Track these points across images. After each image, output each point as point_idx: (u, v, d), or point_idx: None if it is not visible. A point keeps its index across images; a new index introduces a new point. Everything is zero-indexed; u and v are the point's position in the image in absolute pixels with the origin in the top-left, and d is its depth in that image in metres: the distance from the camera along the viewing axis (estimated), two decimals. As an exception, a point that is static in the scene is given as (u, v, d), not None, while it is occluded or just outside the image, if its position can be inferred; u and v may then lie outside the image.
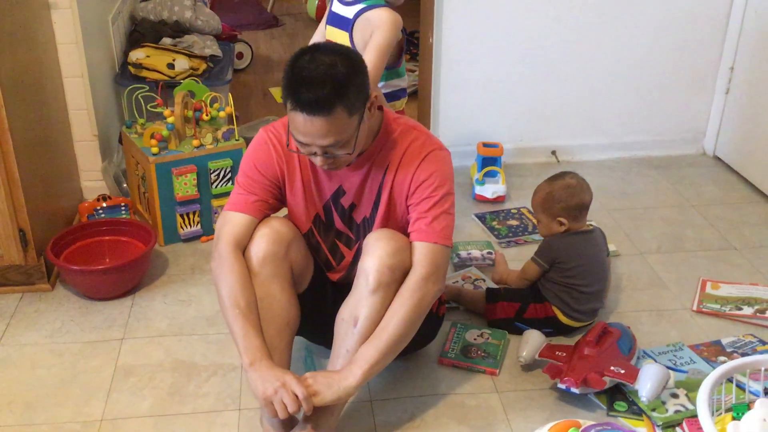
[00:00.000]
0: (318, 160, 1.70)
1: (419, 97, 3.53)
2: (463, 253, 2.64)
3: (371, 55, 2.05)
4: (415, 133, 1.84)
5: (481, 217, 2.91)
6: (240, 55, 4.42)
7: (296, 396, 1.67)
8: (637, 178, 3.25)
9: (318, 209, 1.92)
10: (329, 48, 1.69)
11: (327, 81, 1.58)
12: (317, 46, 1.68)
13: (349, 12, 2.19)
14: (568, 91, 3.29)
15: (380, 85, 2.25)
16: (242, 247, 1.82)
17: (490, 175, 3.06)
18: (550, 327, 2.22)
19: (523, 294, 2.27)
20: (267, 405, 1.69)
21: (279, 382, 1.67)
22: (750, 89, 3.16)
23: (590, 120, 3.36)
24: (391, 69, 2.25)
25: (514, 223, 2.88)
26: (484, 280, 2.49)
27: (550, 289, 2.23)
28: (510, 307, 2.25)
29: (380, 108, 1.85)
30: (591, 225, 2.30)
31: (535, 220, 2.85)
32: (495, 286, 2.42)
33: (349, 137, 1.67)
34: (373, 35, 2.09)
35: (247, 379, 1.75)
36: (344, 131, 1.65)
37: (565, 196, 2.23)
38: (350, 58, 1.66)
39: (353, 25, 2.17)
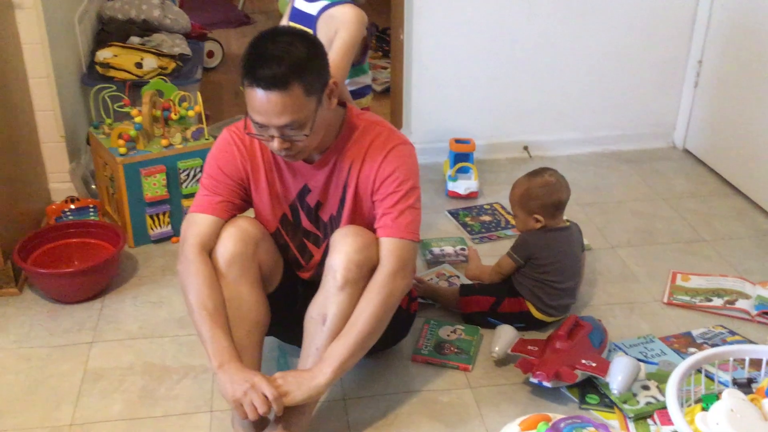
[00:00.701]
0: (275, 144, 1.68)
1: (391, 93, 3.53)
2: (436, 250, 2.64)
3: (337, 54, 2.03)
4: (378, 129, 1.83)
5: (454, 214, 2.92)
6: (210, 54, 4.38)
7: (266, 397, 1.65)
8: (608, 173, 3.27)
9: (284, 209, 1.91)
10: (289, 30, 1.71)
11: (284, 58, 1.59)
12: (277, 29, 1.71)
13: (312, 8, 2.16)
14: (539, 87, 3.30)
15: (346, 82, 2.24)
16: (208, 249, 1.80)
17: (463, 171, 3.07)
18: (523, 322, 2.23)
19: (498, 288, 2.28)
20: (237, 407, 1.68)
21: (248, 384, 1.66)
22: (719, 82, 3.19)
23: (561, 115, 3.37)
24: (356, 66, 2.23)
25: (486, 218, 2.88)
26: (458, 277, 2.49)
27: (525, 285, 2.23)
28: (485, 300, 2.26)
29: (343, 105, 1.85)
30: (568, 222, 2.30)
31: (508, 216, 2.86)
32: (469, 282, 2.42)
33: (305, 118, 1.65)
34: (338, 32, 2.08)
35: (216, 383, 1.74)
36: (300, 110, 1.63)
37: (542, 193, 2.22)
38: (309, 40, 1.67)
39: (316, 21, 2.15)
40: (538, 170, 2.29)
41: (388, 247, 1.78)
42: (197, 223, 1.81)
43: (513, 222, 2.57)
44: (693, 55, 3.29)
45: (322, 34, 2.14)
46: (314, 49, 1.66)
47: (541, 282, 2.21)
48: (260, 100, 1.61)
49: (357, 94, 2.30)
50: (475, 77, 3.24)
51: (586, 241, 2.70)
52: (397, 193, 1.79)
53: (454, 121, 3.29)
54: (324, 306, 1.77)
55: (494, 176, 3.19)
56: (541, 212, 2.22)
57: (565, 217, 2.31)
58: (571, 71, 3.29)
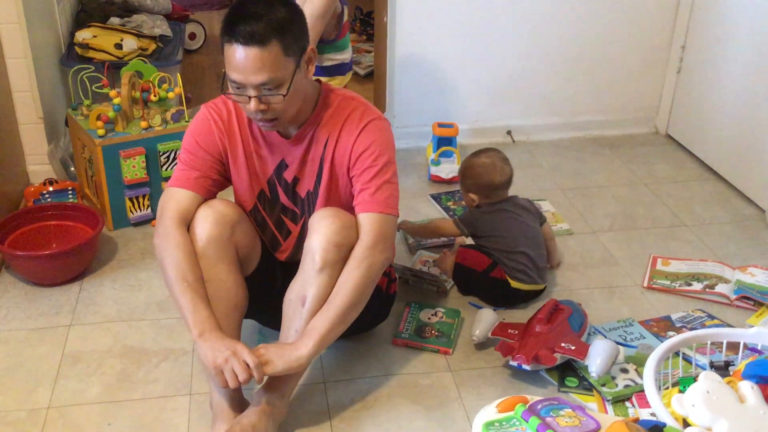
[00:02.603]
0: (252, 105, 1.67)
1: (375, 77, 3.51)
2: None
3: None
4: (354, 104, 1.83)
5: (437, 198, 2.91)
6: (192, 36, 4.34)
7: (247, 365, 1.65)
8: (590, 157, 3.27)
9: (262, 185, 1.90)
10: None
11: (264, 16, 1.61)
12: None
13: None
14: (522, 72, 3.29)
15: (319, 57, 2.21)
16: (187, 223, 1.79)
17: (446, 155, 3.06)
18: (505, 292, 2.25)
19: (495, 255, 2.29)
20: (217, 374, 1.67)
21: (229, 351, 1.66)
22: (701, 68, 3.20)
23: (545, 100, 3.37)
24: (330, 42, 2.20)
25: (469, 203, 2.88)
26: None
27: (492, 255, 2.29)
28: (483, 259, 2.28)
29: (318, 81, 1.84)
30: (510, 197, 2.36)
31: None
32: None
33: (282, 78, 1.65)
34: (306, 3, 2.05)
35: (197, 353, 1.73)
36: (278, 69, 1.63)
37: (476, 173, 2.33)
38: (290, 4, 1.69)
39: None
40: (480, 151, 2.40)
41: (367, 221, 1.78)
42: (175, 198, 1.80)
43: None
44: (676, 41, 3.29)
45: None
46: (294, 12, 1.68)
47: (499, 251, 2.27)
48: (239, 56, 1.61)
49: (332, 70, 2.27)
50: (458, 61, 3.22)
51: (566, 225, 2.72)
52: (373, 168, 1.79)
53: (437, 106, 3.28)
54: (303, 288, 1.76)
55: (477, 161, 3.19)
56: (474, 191, 2.34)
57: (523, 197, 2.39)
58: (555, 56, 3.28)
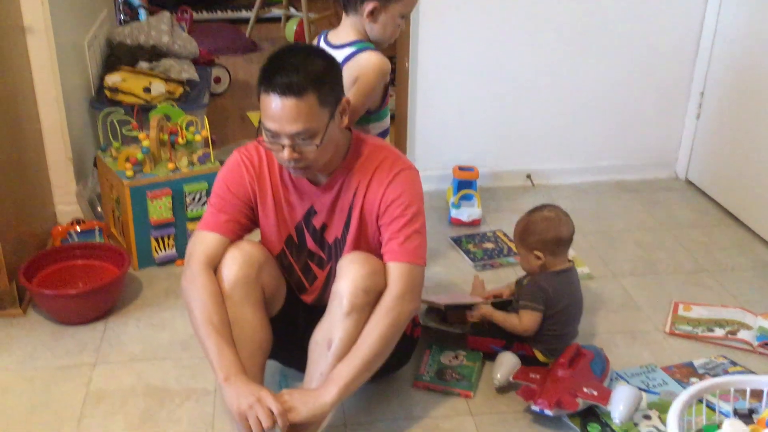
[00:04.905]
0: (285, 154, 1.70)
1: (396, 121, 3.55)
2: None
3: (353, 95, 2.05)
4: (385, 153, 1.86)
5: (457, 241, 2.93)
6: (218, 80, 4.43)
7: (271, 411, 1.66)
8: (611, 202, 3.28)
9: (290, 230, 1.92)
10: (308, 46, 1.79)
11: (301, 68, 1.65)
12: (296, 44, 1.75)
13: (338, 55, 2.14)
14: (542, 116, 3.32)
15: (368, 127, 2.26)
16: (214, 266, 1.82)
17: (466, 198, 3.08)
18: (530, 364, 2.17)
19: (508, 332, 2.20)
20: (241, 420, 1.68)
21: (254, 397, 1.67)
22: (720, 114, 3.22)
23: (565, 144, 3.40)
24: (372, 113, 2.25)
25: (489, 246, 2.89)
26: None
27: (527, 338, 2.18)
28: (496, 344, 2.22)
29: (350, 129, 1.88)
30: (570, 262, 2.27)
31: (511, 244, 2.87)
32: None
33: (317, 128, 1.68)
34: (359, 78, 2.10)
35: (221, 396, 1.74)
36: (313, 119, 1.66)
37: (541, 228, 2.19)
38: (327, 57, 1.73)
39: (342, 68, 2.16)
40: (539, 206, 2.27)
41: (396, 271, 1.79)
42: (204, 241, 1.84)
43: (515, 249, 2.56)
44: (695, 87, 3.32)
45: (346, 78, 2.15)
46: (331, 65, 1.72)
47: (549, 330, 2.16)
48: (275, 106, 1.65)
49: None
50: (478, 106, 3.27)
51: (587, 270, 2.72)
52: (402, 218, 1.81)
53: (457, 149, 3.31)
54: (329, 331, 1.78)
55: (497, 204, 3.21)
56: (540, 248, 2.18)
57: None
58: (575, 101, 3.31)
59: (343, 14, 2.20)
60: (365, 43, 2.16)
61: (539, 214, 2.23)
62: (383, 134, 2.34)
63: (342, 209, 1.87)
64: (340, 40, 2.18)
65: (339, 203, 1.87)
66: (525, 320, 2.16)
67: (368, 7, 2.11)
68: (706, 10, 3.19)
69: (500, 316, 2.21)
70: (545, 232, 2.19)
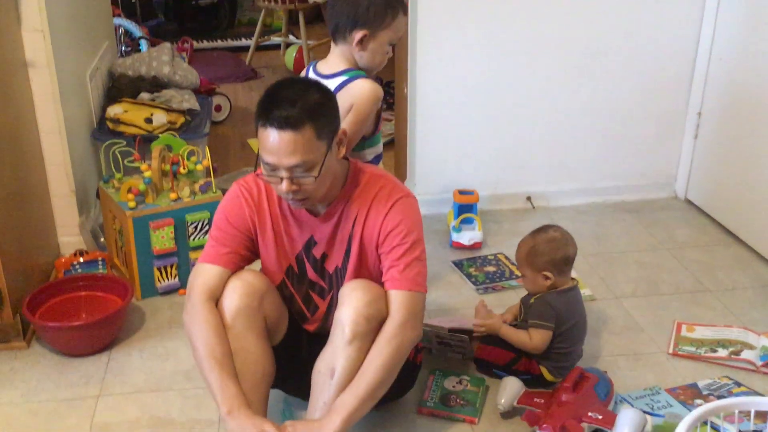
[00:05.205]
0: (284, 186, 1.71)
1: (395, 146, 3.58)
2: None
3: (347, 124, 2.07)
4: (382, 182, 1.87)
5: (459, 264, 2.94)
6: (218, 108, 4.46)
7: None
8: (611, 223, 3.29)
9: (290, 260, 1.94)
10: (304, 79, 1.81)
11: (298, 101, 1.66)
12: (293, 78, 1.80)
13: (330, 84, 2.16)
14: (541, 139, 3.34)
15: (362, 153, 2.28)
16: (215, 298, 1.83)
17: (467, 222, 3.10)
18: (535, 382, 2.20)
19: (538, 354, 2.21)
20: None
21: (257, 430, 1.67)
22: (718, 134, 3.24)
23: (564, 166, 3.41)
24: (366, 139, 2.28)
25: (491, 269, 2.90)
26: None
27: (534, 354, 2.20)
28: (505, 355, 2.23)
29: (347, 158, 1.89)
30: (574, 280, 2.28)
31: (512, 267, 2.87)
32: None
33: (315, 160, 1.70)
34: (353, 106, 2.13)
35: (225, 429, 1.74)
36: (311, 152, 1.68)
37: (549, 249, 2.20)
38: (323, 88, 1.75)
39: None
40: (543, 227, 2.28)
41: (397, 299, 1.80)
42: (204, 274, 1.85)
43: (517, 272, 2.57)
44: (692, 108, 3.34)
45: (340, 106, 2.17)
46: (327, 97, 1.74)
47: (558, 348, 2.18)
48: (273, 139, 1.66)
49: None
50: (477, 129, 3.29)
51: (588, 291, 2.73)
52: (402, 246, 1.82)
53: (457, 173, 3.33)
54: (332, 360, 1.78)
55: (498, 227, 3.22)
56: (549, 268, 2.19)
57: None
58: (573, 123, 3.34)
59: (332, 44, 2.23)
60: (356, 71, 2.19)
61: (545, 236, 2.24)
62: (377, 159, 2.36)
63: (342, 239, 1.88)
64: (330, 69, 2.21)
65: (338, 233, 1.88)
66: (536, 338, 2.17)
67: (357, 35, 2.14)
68: (701, 31, 3.22)
69: (510, 332, 2.22)
70: (554, 252, 2.20)
